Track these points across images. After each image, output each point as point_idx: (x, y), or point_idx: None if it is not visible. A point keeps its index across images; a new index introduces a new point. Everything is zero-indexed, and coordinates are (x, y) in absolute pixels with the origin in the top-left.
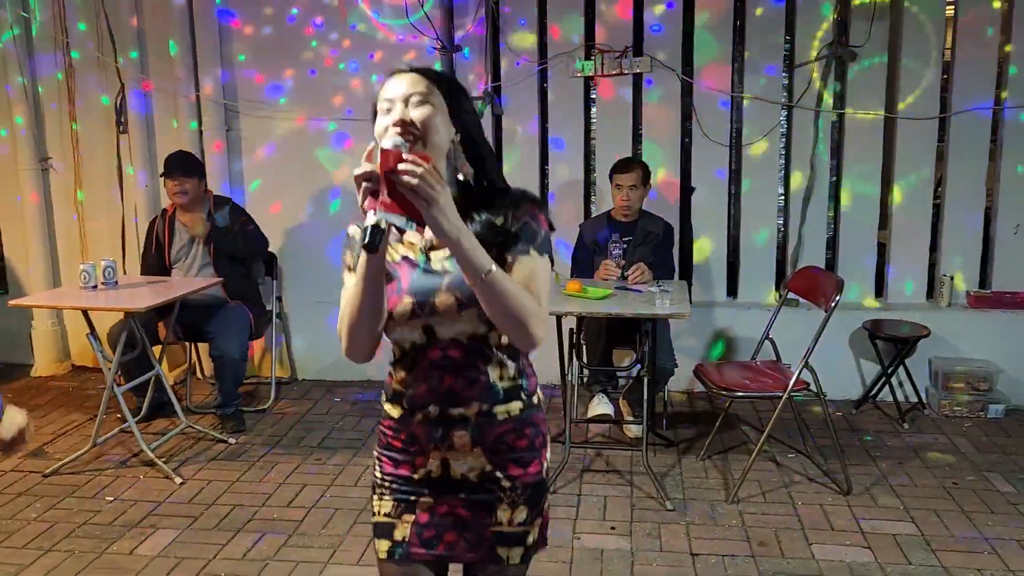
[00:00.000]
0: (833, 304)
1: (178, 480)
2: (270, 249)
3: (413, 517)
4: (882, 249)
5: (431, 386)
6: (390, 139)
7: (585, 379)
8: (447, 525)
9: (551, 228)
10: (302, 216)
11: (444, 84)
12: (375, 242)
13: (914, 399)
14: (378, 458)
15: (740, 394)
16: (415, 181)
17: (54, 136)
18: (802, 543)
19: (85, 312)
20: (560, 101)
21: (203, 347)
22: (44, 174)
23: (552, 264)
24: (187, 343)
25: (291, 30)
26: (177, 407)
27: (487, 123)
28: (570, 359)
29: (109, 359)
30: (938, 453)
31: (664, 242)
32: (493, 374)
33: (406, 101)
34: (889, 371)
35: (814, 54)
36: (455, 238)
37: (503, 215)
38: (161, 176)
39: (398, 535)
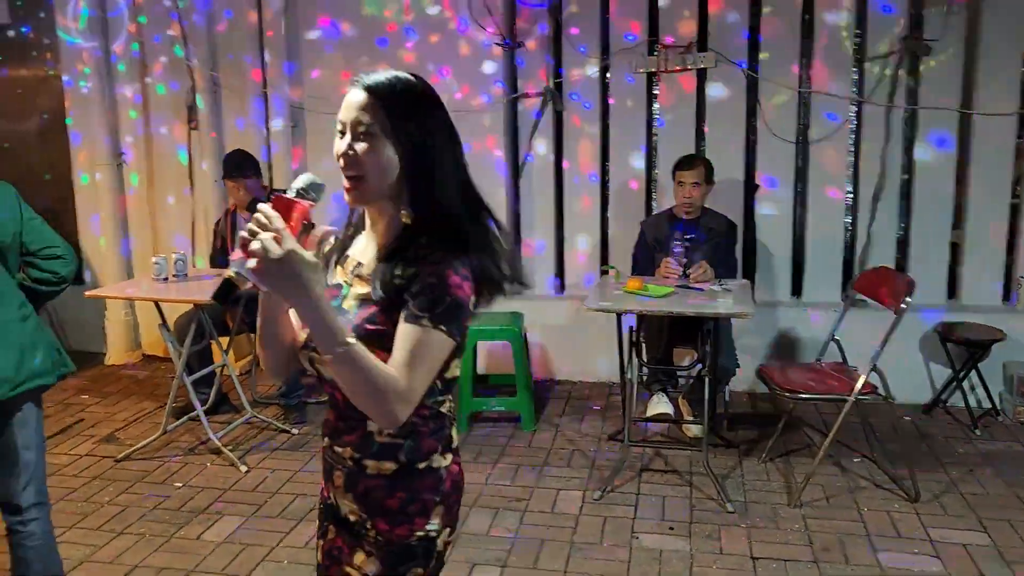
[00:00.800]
0: (904, 306)
1: (243, 468)
2: None
3: (323, 543)
4: (955, 249)
5: (327, 416)
6: (302, 179)
7: (644, 377)
8: (336, 559)
9: (475, 292)
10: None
11: (389, 101)
12: (222, 294)
13: (987, 405)
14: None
15: (805, 396)
16: (252, 264)
17: (127, 132)
18: (867, 550)
19: (157, 303)
20: (622, 97)
21: None
22: (119, 169)
23: (458, 338)
24: (252, 335)
25: (361, 27)
26: (243, 397)
27: (548, 120)
28: (630, 357)
29: (180, 350)
30: (1012, 461)
31: (727, 240)
32: (372, 426)
33: (353, 129)
34: (961, 375)
35: (885, 48)
36: (303, 307)
37: (411, 267)
38: (222, 177)
39: (318, 557)
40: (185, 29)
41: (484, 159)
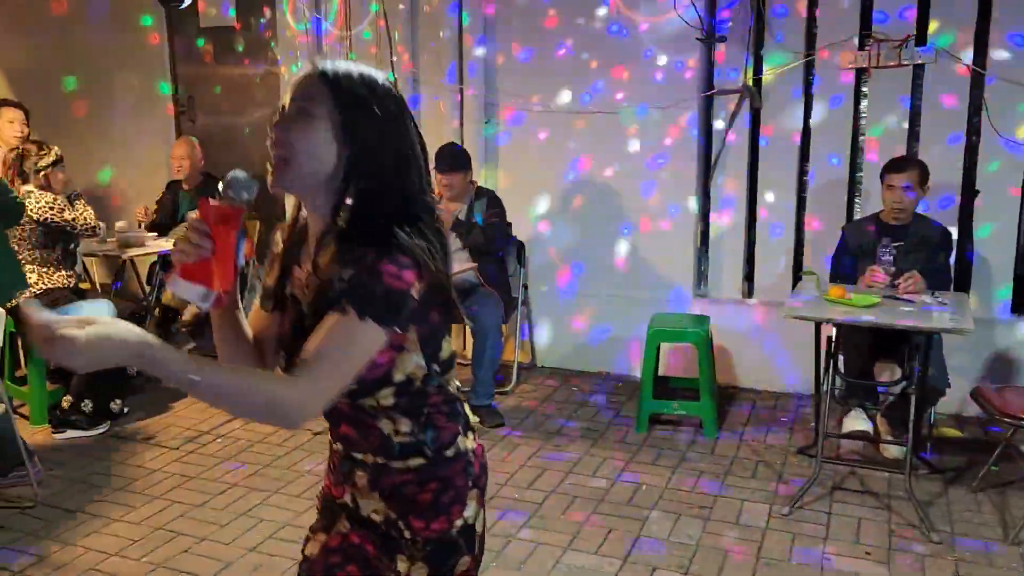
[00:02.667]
0: None
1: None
2: (517, 237)
3: (325, 537)
4: None
5: (335, 424)
6: (228, 177)
7: (841, 391)
8: (353, 557)
9: (420, 280)
10: (554, 206)
11: (340, 90)
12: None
13: None
14: (326, 470)
15: None
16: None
17: None
18: None
19: None
20: (826, 94)
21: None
22: None
23: (393, 329)
24: None
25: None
26: None
27: (745, 118)
28: (827, 369)
29: None
30: None
31: (941, 249)
32: (386, 428)
33: (292, 107)
34: None
35: None
36: (141, 359)
37: (345, 264)
38: (433, 169)
39: (308, 550)
40: (391, 28)
41: (676, 157)
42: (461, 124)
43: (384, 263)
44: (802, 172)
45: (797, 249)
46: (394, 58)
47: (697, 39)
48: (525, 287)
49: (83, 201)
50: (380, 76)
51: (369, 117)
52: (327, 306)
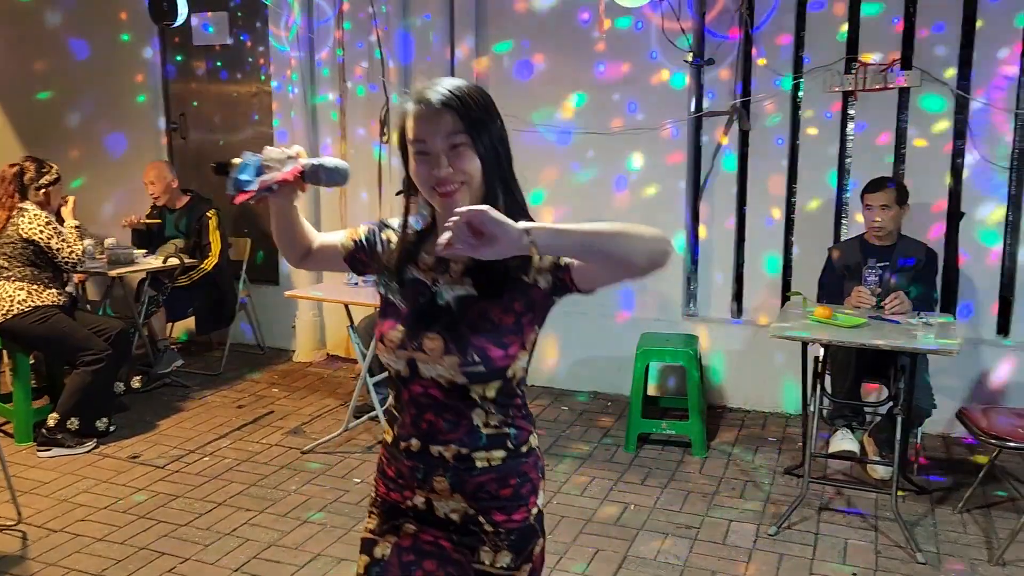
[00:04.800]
0: None
1: None
2: None
3: (395, 539)
4: None
5: (414, 419)
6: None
7: (828, 411)
8: (429, 553)
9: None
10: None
11: (468, 115)
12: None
13: None
14: (376, 477)
15: (1012, 444)
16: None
17: (328, 134)
18: None
19: (346, 306)
20: (814, 117)
21: None
22: None
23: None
24: None
25: (552, 46)
26: None
27: (733, 140)
28: (814, 389)
29: (364, 351)
30: None
31: (926, 270)
32: (477, 419)
33: (445, 147)
34: None
35: None
36: (527, 246)
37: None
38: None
39: (378, 552)
40: (382, 35)
41: (665, 177)
42: None
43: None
44: (790, 193)
45: (785, 270)
46: (385, 80)
47: (686, 61)
48: None
49: (77, 235)
50: (473, 85)
51: (492, 126)
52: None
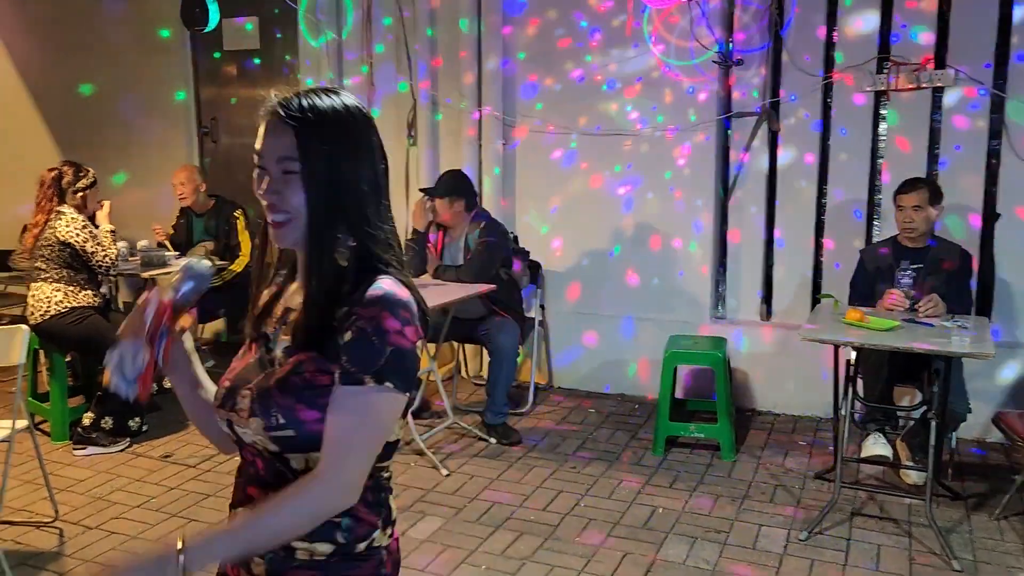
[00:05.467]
0: None
1: (444, 472)
2: (534, 258)
3: None
4: None
5: (239, 488)
6: (181, 271)
7: (860, 415)
8: None
9: (419, 335)
10: (572, 228)
11: (315, 134)
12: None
13: None
14: None
15: None
16: None
17: None
18: None
19: None
20: (845, 117)
21: (469, 349)
22: None
23: (407, 392)
24: (455, 343)
25: (578, 47)
26: (447, 403)
27: (762, 141)
28: (845, 393)
29: None
30: None
31: (961, 272)
32: None
33: (274, 165)
34: None
35: None
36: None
37: (343, 307)
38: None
39: None
40: (410, 51)
41: (693, 179)
42: (480, 144)
43: (386, 317)
44: (820, 194)
45: (815, 272)
46: (413, 80)
47: (714, 61)
48: (542, 307)
49: (112, 239)
50: (337, 97)
51: (340, 161)
52: (323, 345)
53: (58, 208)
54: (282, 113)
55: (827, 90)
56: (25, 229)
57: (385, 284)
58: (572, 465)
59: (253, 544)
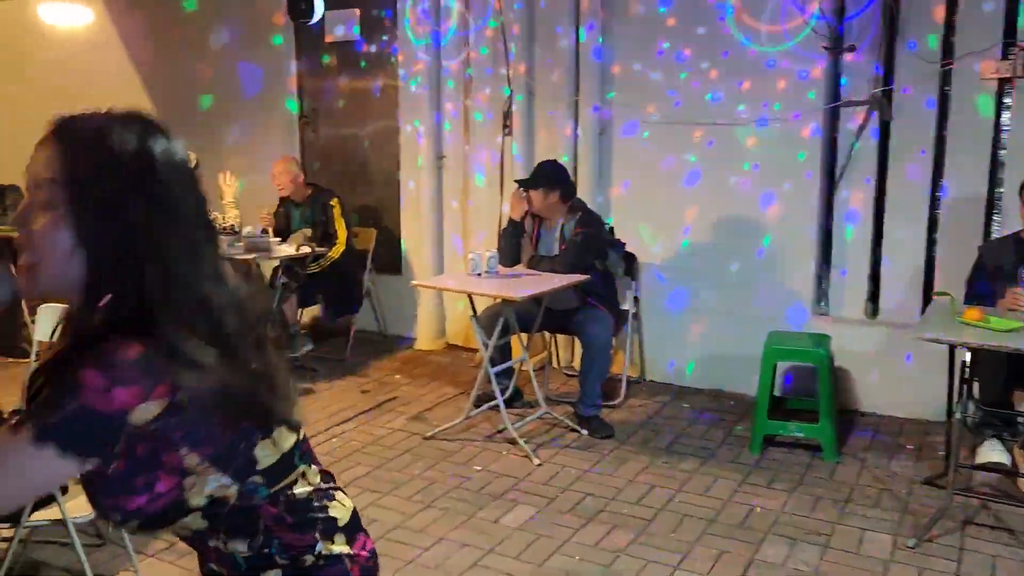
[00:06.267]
0: None
1: (536, 461)
2: (630, 249)
3: None
4: None
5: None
6: None
7: (975, 419)
8: None
9: (149, 403)
10: (669, 218)
11: (80, 164)
12: None
13: None
14: None
15: None
16: None
17: (449, 135)
18: None
19: (470, 296)
20: (964, 106)
21: (561, 339)
22: (439, 171)
23: (78, 458)
24: (546, 332)
25: (683, 33)
26: (539, 393)
27: (872, 129)
28: (959, 395)
29: (486, 342)
30: None
31: None
32: (223, 548)
33: (31, 194)
34: None
35: None
36: None
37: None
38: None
39: None
40: (508, 42)
41: (798, 170)
42: (576, 136)
43: (89, 374)
44: (935, 188)
45: (927, 268)
46: (511, 72)
47: (824, 47)
48: (636, 300)
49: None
50: (121, 121)
51: (124, 187)
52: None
53: None
54: (57, 127)
55: (945, 77)
56: None
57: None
58: (665, 460)
59: None
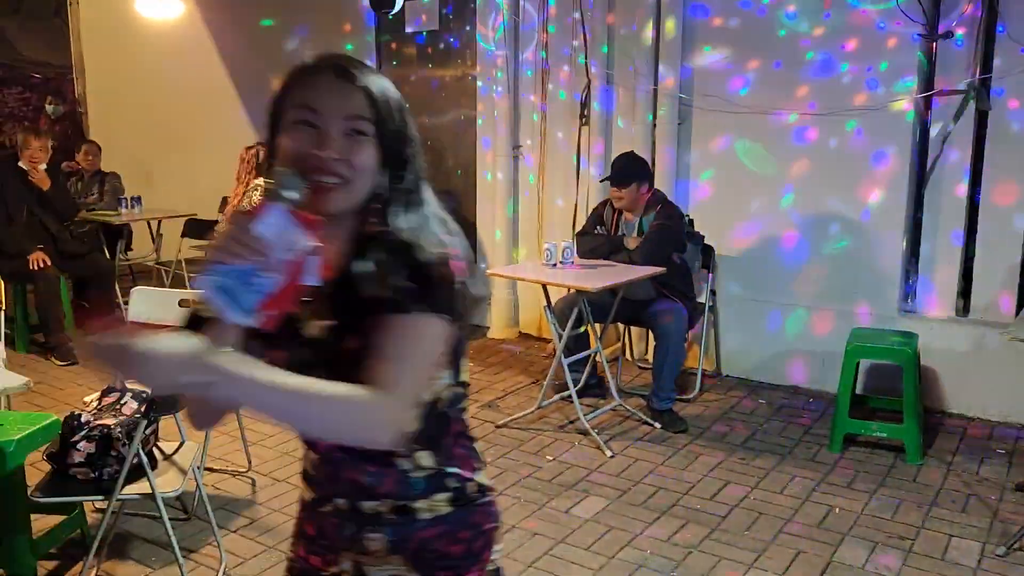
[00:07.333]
0: None
1: (608, 453)
2: (708, 242)
3: None
4: None
5: (334, 475)
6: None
7: None
8: None
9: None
10: (748, 210)
11: (382, 103)
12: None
13: None
14: (293, 539)
15: None
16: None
17: (525, 126)
18: None
19: (544, 286)
20: None
21: (635, 331)
22: (514, 161)
23: (454, 323)
24: (619, 324)
25: (761, 20)
26: (611, 385)
27: (968, 119)
28: None
29: (560, 332)
30: None
31: None
32: (405, 463)
33: (343, 125)
34: None
35: None
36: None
37: (382, 255)
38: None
39: None
40: (588, 38)
41: (887, 162)
42: (654, 124)
43: (455, 264)
44: None
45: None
46: (586, 60)
47: (919, 35)
48: (713, 293)
49: None
50: (396, 88)
51: (404, 125)
52: (377, 310)
53: (256, 181)
54: (350, 70)
55: None
56: (224, 201)
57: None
58: (741, 456)
59: (277, 411)
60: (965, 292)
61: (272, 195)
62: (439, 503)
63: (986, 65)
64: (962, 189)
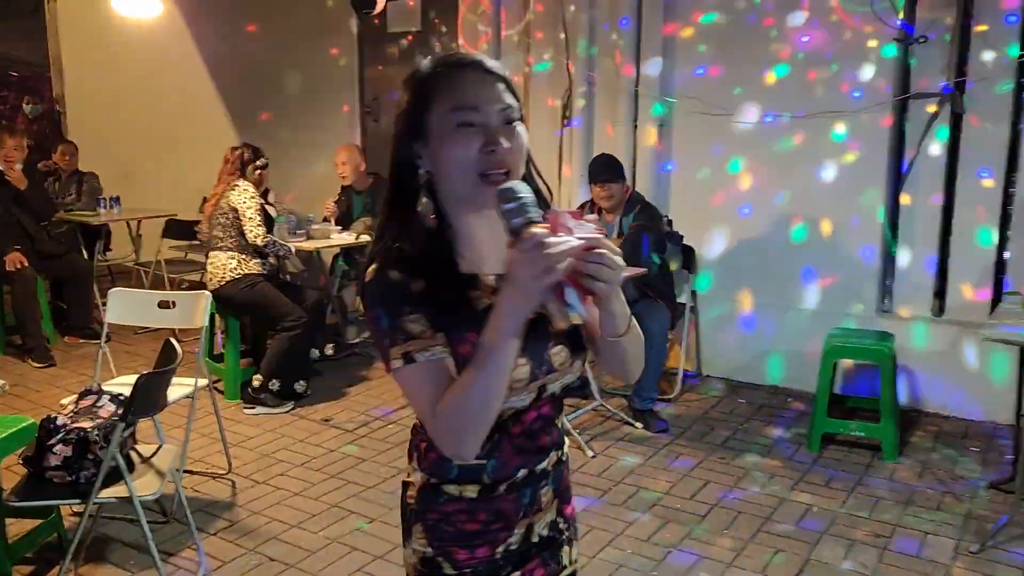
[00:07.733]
0: None
1: (589, 453)
2: (687, 243)
3: None
4: None
5: (523, 449)
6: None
7: None
8: None
9: None
10: (728, 211)
11: (514, 91)
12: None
13: None
14: (442, 551)
15: None
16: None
17: None
18: None
19: None
20: None
21: None
22: None
23: None
24: None
25: (741, 23)
26: (593, 386)
27: (943, 121)
28: None
29: None
30: None
31: None
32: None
33: (505, 116)
34: None
35: None
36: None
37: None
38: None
39: None
40: (568, 34)
41: (864, 165)
42: (635, 126)
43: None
44: (1008, 184)
45: (997, 268)
46: (568, 61)
47: (895, 40)
48: (694, 294)
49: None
50: None
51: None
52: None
53: (236, 182)
54: (487, 64)
55: (1021, 68)
56: (205, 200)
57: None
58: (721, 456)
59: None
60: (940, 292)
61: (517, 214)
62: (564, 443)
63: (961, 68)
64: (938, 190)
